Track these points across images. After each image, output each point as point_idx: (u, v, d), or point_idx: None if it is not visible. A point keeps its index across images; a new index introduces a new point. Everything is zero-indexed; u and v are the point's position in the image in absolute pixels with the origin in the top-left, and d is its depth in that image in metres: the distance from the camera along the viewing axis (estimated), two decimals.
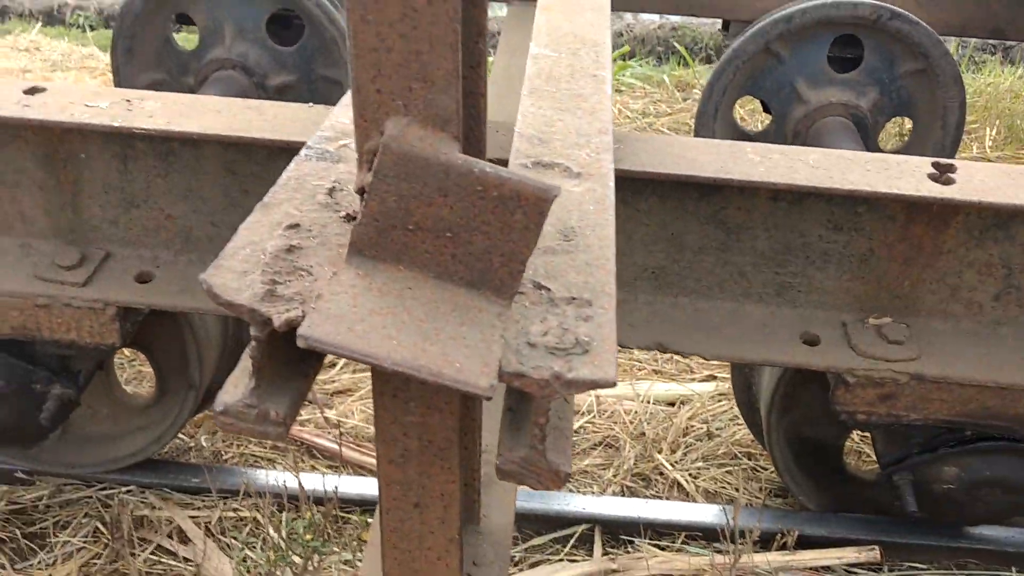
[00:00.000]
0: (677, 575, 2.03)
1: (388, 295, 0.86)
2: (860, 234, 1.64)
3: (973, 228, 1.61)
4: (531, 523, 2.14)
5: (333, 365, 2.81)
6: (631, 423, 2.50)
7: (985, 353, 1.67)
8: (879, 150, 3.16)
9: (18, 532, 2.11)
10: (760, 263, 1.69)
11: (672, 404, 2.61)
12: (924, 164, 1.58)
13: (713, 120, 3.13)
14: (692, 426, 2.48)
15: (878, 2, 2.94)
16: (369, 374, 2.61)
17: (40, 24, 7.19)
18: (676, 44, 6.21)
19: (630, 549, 2.10)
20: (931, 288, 1.68)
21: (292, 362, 0.90)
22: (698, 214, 1.66)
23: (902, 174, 1.56)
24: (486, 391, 0.80)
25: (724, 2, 3.21)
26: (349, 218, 0.99)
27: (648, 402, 2.59)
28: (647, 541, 2.07)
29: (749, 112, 4.61)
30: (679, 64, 5.84)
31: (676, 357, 2.81)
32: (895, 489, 1.87)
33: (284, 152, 1.61)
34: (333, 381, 2.74)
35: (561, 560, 2.08)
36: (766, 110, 3.26)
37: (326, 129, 1.17)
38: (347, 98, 1.28)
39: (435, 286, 0.88)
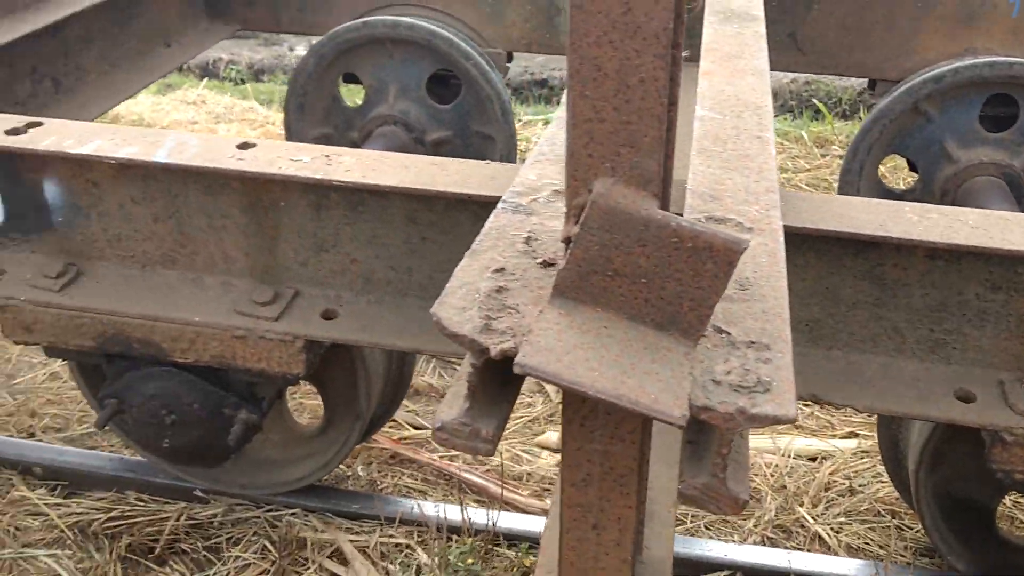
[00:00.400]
0: None
1: (588, 332, 0.97)
2: (1020, 294, 1.66)
3: None
4: (674, 567, 2.20)
5: None
6: (772, 476, 2.53)
7: None
8: None
9: (201, 543, 2.30)
10: (915, 319, 1.73)
11: (813, 459, 2.62)
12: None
13: (858, 178, 3.15)
14: (834, 481, 2.48)
15: None
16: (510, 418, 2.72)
17: (205, 79, 7.75)
18: (813, 99, 6.20)
19: None
20: None
21: (498, 389, 1.02)
22: (854, 270, 1.71)
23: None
24: (679, 420, 0.89)
25: (872, 61, 3.24)
26: (546, 264, 1.11)
27: (789, 456, 2.61)
28: None
29: (890, 170, 4.57)
30: (813, 119, 5.83)
31: (817, 412, 2.82)
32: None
33: (461, 204, 1.76)
34: None
35: None
36: (912, 169, 3.26)
37: (517, 186, 1.30)
38: (533, 157, 1.42)
39: (628, 326, 0.99)
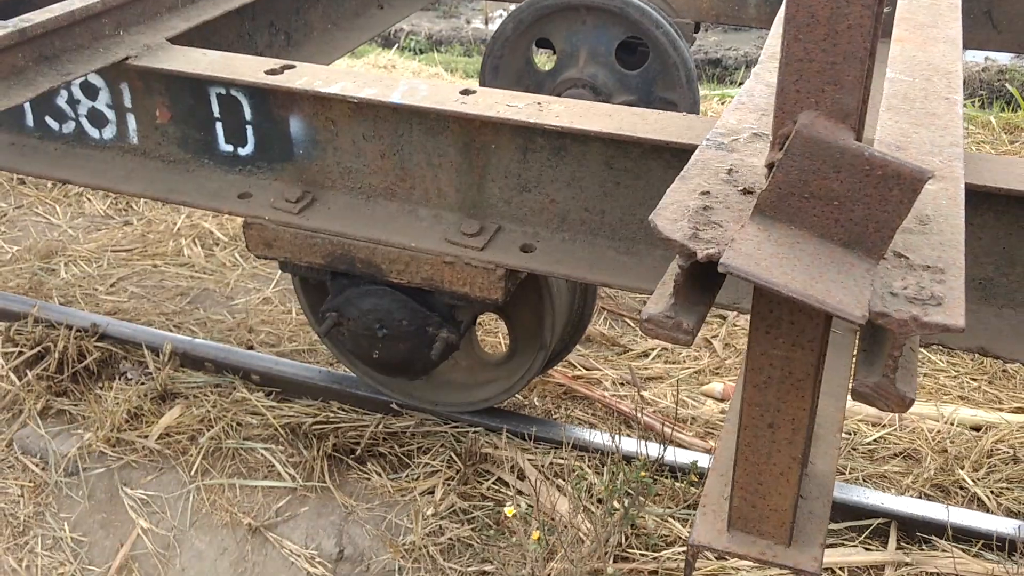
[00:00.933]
0: None
1: (783, 245, 1.14)
2: None
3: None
4: (833, 511, 2.32)
5: (646, 355, 3.12)
6: (934, 439, 2.60)
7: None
8: None
9: (395, 449, 2.60)
10: None
11: (977, 429, 2.67)
12: None
13: None
14: (998, 449, 2.53)
15: None
16: (675, 366, 2.90)
17: (391, 48, 8.17)
18: (1007, 86, 5.99)
19: (924, 548, 2.22)
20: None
21: (699, 292, 1.20)
22: None
23: None
24: (859, 319, 1.05)
25: None
26: (745, 192, 1.28)
27: (952, 424, 2.67)
28: (946, 542, 2.18)
29: None
30: (1006, 107, 5.65)
31: (984, 387, 2.85)
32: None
33: (655, 151, 1.94)
34: (646, 369, 3.05)
35: (856, 547, 2.24)
36: None
37: (719, 127, 1.47)
38: (733, 105, 1.57)
39: (819, 243, 1.15)
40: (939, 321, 1.07)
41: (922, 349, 2.60)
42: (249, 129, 2.29)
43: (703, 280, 1.21)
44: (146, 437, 2.72)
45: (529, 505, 2.35)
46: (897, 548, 2.22)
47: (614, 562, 2.22)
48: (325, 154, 2.26)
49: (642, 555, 2.25)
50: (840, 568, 2.20)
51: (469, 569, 2.27)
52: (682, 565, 2.20)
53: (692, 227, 1.17)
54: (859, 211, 1.12)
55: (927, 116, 1.59)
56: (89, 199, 4.12)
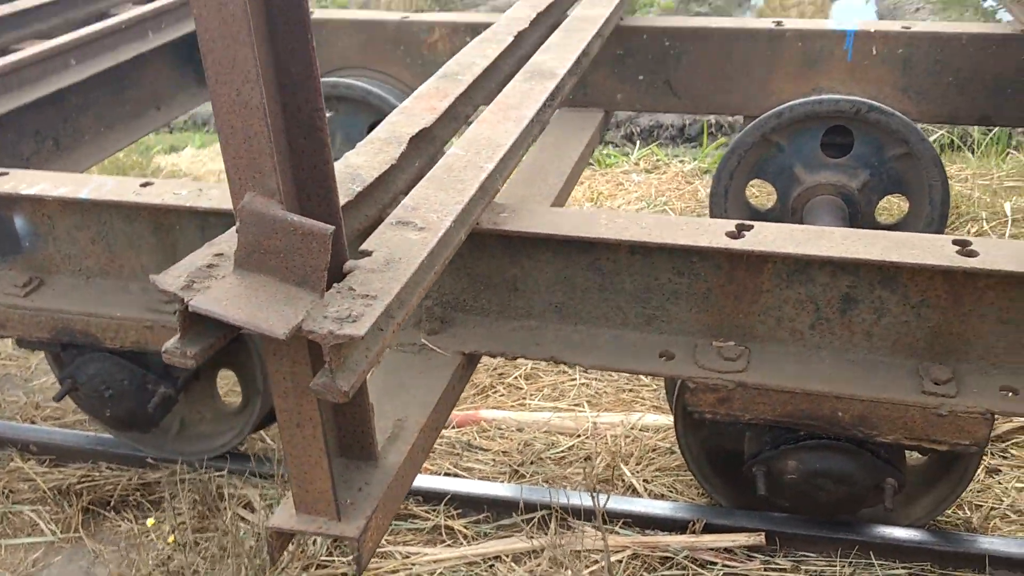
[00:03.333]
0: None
1: (251, 288, 1.57)
2: (697, 278, 2.20)
3: (781, 272, 2.14)
4: (504, 508, 2.76)
5: None
6: (612, 443, 3.06)
7: (801, 368, 2.17)
8: (874, 222, 3.59)
9: (147, 497, 2.95)
10: (631, 300, 2.27)
11: (656, 431, 3.14)
12: (727, 224, 2.13)
13: (724, 200, 3.68)
14: (660, 445, 3.01)
15: (858, 98, 3.43)
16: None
17: None
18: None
19: (577, 532, 2.66)
20: (760, 319, 2.21)
21: (207, 328, 1.63)
22: (581, 263, 2.27)
23: (708, 232, 2.12)
24: (280, 336, 1.49)
25: (735, 102, 3.79)
26: None
27: (636, 429, 3.14)
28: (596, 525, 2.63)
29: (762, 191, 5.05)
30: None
31: None
32: (753, 479, 2.36)
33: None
34: None
35: (521, 535, 2.67)
36: None
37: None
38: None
39: (278, 284, 1.58)
40: (347, 332, 1.51)
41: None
42: None
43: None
44: None
45: (177, 516, 2.74)
46: (555, 535, 2.65)
47: (315, 568, 2.60)
48: (47, 244, 2.66)
49: (340, 560, 2.64)
50: (505, 555, 2.62)
51: None
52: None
53: (188, 280, 1.60)
54: (297, 260, 1.56)
55: (454, 182, 2.07)
56: None
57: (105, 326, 2.58)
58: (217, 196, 2.41)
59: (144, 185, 2.50)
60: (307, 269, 1.57)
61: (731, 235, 2.11)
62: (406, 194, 2.18)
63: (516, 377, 3.53)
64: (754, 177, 3.69)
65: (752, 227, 2.13)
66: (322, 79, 3.88)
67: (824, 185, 3.52)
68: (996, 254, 1.97)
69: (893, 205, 4.57)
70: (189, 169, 7.49)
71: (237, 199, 1.57)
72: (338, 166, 2.13)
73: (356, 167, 2.15)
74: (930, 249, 2.01)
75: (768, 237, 2.09)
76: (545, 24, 3.55)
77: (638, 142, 7.45)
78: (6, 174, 2.61)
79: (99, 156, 3.72)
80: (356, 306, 1.59)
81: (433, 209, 1.95)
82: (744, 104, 3.80)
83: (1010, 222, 4.93)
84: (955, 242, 2.03)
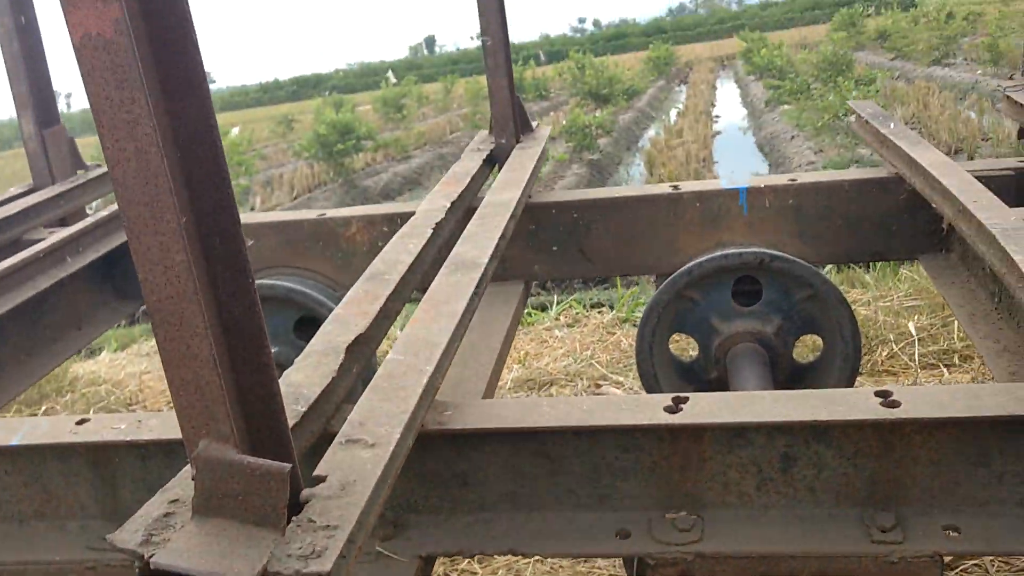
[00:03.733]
0: None
1: (211, 535, 1.57)
2: (643, 452, 2.26)
3: (720, 440, 2.22)
4: None
5: None
6: None
7: (754, 531, 2.22)
8: (793, 363, 3.74)
9: None
10: (581, 481, 2.31)
11: None
12: (664, 399, 2.22)
13: (651, 355, 3.80)
14: None
15: (760, 249, 3.64)
16: None
17: None
18: None
19: None
20: (708, 486, 2.27)
21: None
22: (529, 450, 2.31)
23: (648, 409, 2.20)
24: None
25: (646, 262, 3.97)
26: None
27: None
28: None
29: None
30: None
31: None
32: None
33: None
34: None
35: None
36: None
37: None
38: None
39: (239, 527, 1.58)
40: (313, 570, 1.51)
41: None
42: None
43: None
44: None
45: None
46: None
47: None
48: None
49: None
50: None
51: None
52: None
53: (146, 534, 1.59)
54: (256, 500, 1.57)
55: (396, 391, 2.11)
56: None
57: (43, 573, 2.49)
58: (157, 426, 2.40)
59: (80, 423, 2.47)
60: (267, 508, 1.58)
61: (669, 409, 2.19)
62: (347, 401, 2.21)
63: (469, 562, 3.49)
64: (675, 332, 3.83)
65: (687, 399, 2.22)
66: None
67: (742, 333, 3.67)
68: (916, 402, 2.09)
69: (813, 341, 4.77)
70: (108, 375, 7.37)
71: (192, 446, 1.58)
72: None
73: (298, 385, 2.18)
74: (855, 404, 2.12)
75: (705, 408, 2.18)
76: (460, 209, 3.70)
77: (555, 296, 7.65)
78: None
79: (21, 386, 3.66)
80: (319, 539, 1.59)
81: (380, 422, 1.98)
82: (656, 263, 3.98)
83: (916, 341, 5.18)
84: (877, 394, 2.15)
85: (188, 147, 1.51)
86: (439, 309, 2.56)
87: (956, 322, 5.25)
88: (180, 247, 1.43)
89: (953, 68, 28.48)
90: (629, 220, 3.94)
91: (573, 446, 2.28)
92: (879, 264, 6.70)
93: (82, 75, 1.35)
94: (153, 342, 8.04)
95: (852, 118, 4.57)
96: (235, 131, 31.82)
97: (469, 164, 4.06)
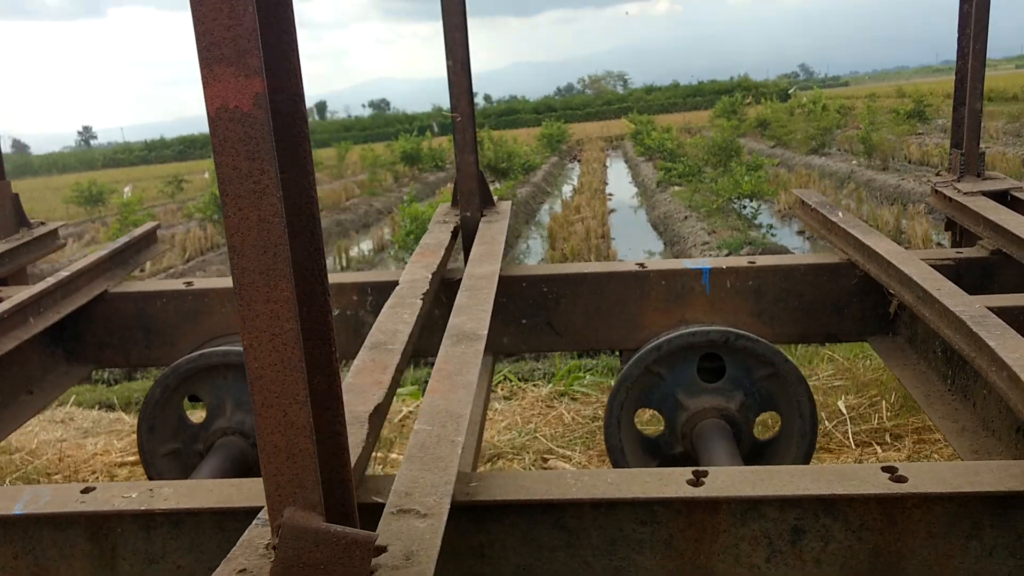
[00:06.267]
0: None
1: None
2: (661, 525, 2.33)
3: (736, 512, 2.31)
4: None
5: None
6: None
7: None
8: (754, 440, 3.90)
9: None
10: (598, 553, 2.37)
11: None
12: (685, 472, 2.31)
13: (618, 430, 3.89)
14: None
15: (726, 328, 3.81)
16: None
17: (74, 393, 8.17)
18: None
19: None
20: (720, 558, 2.35)
21: None
22: (546, 523, 2.36)
23: (670, 482, 2.29)
24: None
25: (612, 337, 4.10)
26: None
27: None
28: None
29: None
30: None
31: None
32: None
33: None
34: None
35: None
36: None
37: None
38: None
39: None
40: None
41: None
42: None
43: None
44: None
45: None
46: None
47: None
48: None
49: None
50: None
51: None
52: None
53: None
54: (339, 569, 1.58)
55: (434, 460, 2.14)
56: None
57: None
58: (171, 495, 2.35)
59: (85, 491, 2.40)
60: None
61: (691, 483, 2.28)
62: (365, 470, 2.23)
63: None
64: (641, 406, 3.94)
65: (707, 472, 2.31)
66: (210, 348, 3.88)
67: (708, 409, 3.81)
68: (923, 478, 2.24)
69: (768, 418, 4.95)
70: (20, 443, 7.02)
71: (276, 515, 1.58)
72: None
73: None
74: (865, 479, 2.25)
75: (726, 481, 2.28)
76: (436, 282, 3.76)
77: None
78: None
79: None
80: None
81: (427, 492, 2.00)
82: (623, 338, 4.11)
83: (848, 420, 5.43)
84: (884, 469, 2.29)
85: (293, 218, 1.55)
86: (453, 380, 2.60)
87: (884, 402, 5.54)
88: (290, 315, 1.46)
89: (830, 157, 30.06)
90: (596, 295, 4.07)
91: (591, 518, 2.34)
92: (799, 349, 7.02)
93: (214, 145, 1.38)
94: (67, 408, 7.73)
95: (798, 205, 4.86)
96: (128, 190, 31.01)
97: (440, 236, 4.13)
